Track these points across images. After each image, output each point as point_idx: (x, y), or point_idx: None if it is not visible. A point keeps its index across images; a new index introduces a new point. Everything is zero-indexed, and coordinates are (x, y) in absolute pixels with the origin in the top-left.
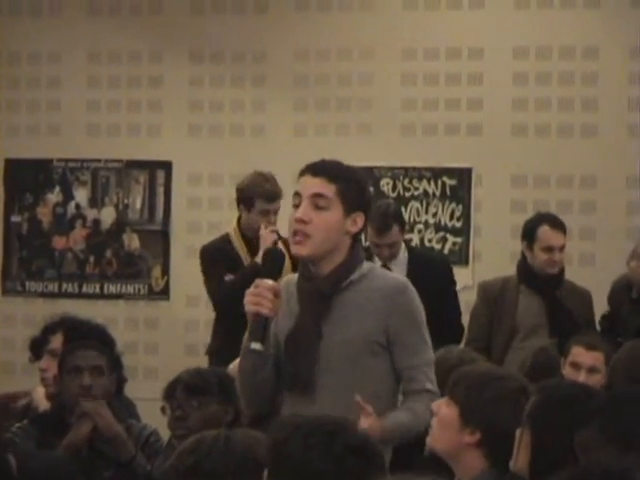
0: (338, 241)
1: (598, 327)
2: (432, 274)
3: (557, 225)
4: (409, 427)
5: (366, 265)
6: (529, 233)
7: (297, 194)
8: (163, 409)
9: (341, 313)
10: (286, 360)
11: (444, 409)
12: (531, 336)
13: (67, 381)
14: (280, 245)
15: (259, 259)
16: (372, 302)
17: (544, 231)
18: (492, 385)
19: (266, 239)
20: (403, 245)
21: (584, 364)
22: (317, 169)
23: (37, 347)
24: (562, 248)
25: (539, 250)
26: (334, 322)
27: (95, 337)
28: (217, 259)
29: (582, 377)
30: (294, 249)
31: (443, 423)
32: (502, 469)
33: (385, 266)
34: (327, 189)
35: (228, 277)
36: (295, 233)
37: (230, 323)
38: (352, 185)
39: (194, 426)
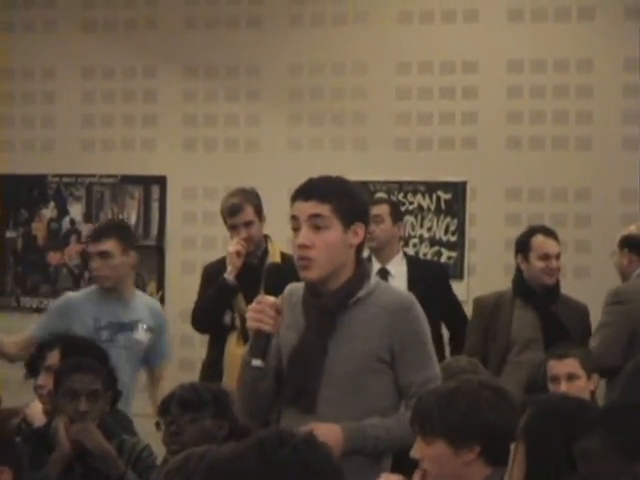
0: (343, 257)
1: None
2: (430, 275)
3: (550, 233)
4: (387, 427)
5: (373, 280)
6: (523, 245)
7: (294, 218)
8: (158, 424)
9: (347, 330)
10: (289, 375)
11: (428, 450)
12: (526, 350)
13: (63, 403)
14: (242, 255)
15: (228, 275)
16: (378, 319)
17: (538, 240)
18: (457, 398)
19: (230, 256)
20: (401, 253)
21: (560, 374)
22: (308, 192)
23: (33, 364)
24: (558, 256)
25: (536, 259)
26: (340, 338)
27: (91, 353)
28: (209, 281)
29: (563, 387)
30: (302, 274)
31: (436, 462)
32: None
33: (384, 269)
34: (322, 209)
35: None
36: (300, 259)
37: (212, 339)
38: (346, 199)
39: (188, 441)
